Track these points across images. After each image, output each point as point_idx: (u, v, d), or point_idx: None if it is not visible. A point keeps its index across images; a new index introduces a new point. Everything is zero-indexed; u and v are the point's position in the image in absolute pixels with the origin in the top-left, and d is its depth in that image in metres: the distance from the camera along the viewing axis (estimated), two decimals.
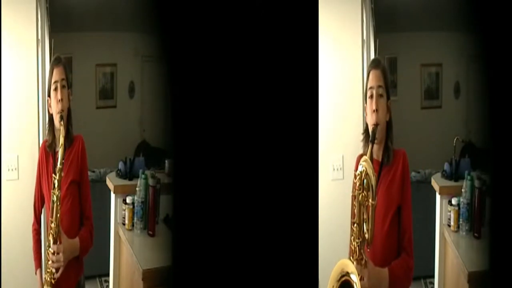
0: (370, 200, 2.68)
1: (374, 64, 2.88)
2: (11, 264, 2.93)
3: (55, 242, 2.85)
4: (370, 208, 2.69)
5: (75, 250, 2.90)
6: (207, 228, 2.85)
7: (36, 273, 2.92)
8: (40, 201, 2.92)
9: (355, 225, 2.72)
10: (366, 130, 2.86)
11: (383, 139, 2.84)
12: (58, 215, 2.84)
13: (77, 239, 2.90)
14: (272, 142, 2.86)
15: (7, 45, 2.89)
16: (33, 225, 2.93)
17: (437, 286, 2.99)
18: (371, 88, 2.84)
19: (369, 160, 2.70)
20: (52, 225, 2.84)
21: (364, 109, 2.87)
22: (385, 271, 2.77)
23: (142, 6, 2.94)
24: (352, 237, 2.73)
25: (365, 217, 2.70)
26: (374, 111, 2.81)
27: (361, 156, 2.84)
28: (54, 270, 2.87)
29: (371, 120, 2.82)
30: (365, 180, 2.69)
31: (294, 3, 2.85)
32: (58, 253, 2.86)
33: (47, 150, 2.90)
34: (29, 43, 2.93)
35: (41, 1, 2.92)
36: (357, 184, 2.70)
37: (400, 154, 2.85)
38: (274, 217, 2.86)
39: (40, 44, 2.93)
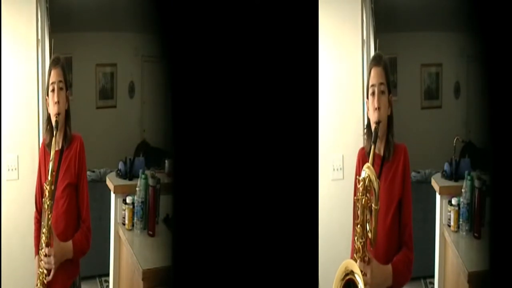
0: (373, 205, 2.71)
1: (376, 61, 2.89)
2: (11, 264, 2.93)
3: (47, 246, 2.87)
4: (373, 212, 2.72)
5: (68, 252, 2.90)
6: (207, 228, 2.84)
7: (35, 258, 2.92)
8: (41, 194, 2.92)
9: (358, 226, 2.74)
10: (368, 126, 2.88)
11: (384, 134, 2.85)
12: (49, 222, 2.86)
13: (70, 242, 2.90)
14: (272, 142, 2.86)
15: (7, 45, 2.89)
16: (35, 217, 2.93)
17: (437, 286, 2.99)
18: (372, 85, 2.85)
19: (371, 166, 2.73)
20: (44, 230, 2.85)
21: (366, 104, 2.89)
22: (389, 268, 2.80)
23: (142, 6, 2.94)
24: (356, 237, 2.76)
25: (368, 218, 2.73)
26: (376, 109, 2.83)
27: (363, 149, 2.87)
28: (45, 272, 2.88)
29: (373, 117, 2.84)
30: (368, 186, 2.72)
31: (294, 3, 2.85)
32: (49, 256, 2.87)
33: (46, 149, 2.90)
34: (29, 43, 2.93)
35: (41, 1, 2.92)
36: (361, 189, 2.72)
37: (401, 149, 2.86)
38: (274, 217, 2.86)
39: (40, 44, 2.93)
